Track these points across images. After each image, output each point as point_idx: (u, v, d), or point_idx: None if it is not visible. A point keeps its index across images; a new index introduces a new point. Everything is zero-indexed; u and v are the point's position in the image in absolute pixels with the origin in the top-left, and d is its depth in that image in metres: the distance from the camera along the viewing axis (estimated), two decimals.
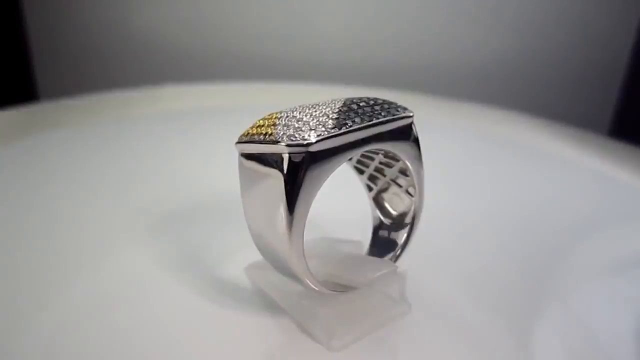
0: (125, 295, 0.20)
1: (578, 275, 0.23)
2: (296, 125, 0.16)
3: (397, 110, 0.18)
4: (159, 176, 0.28)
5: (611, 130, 0.49)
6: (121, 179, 0.28)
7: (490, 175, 0.31)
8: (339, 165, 0.16)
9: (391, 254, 0.20)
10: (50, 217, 0.25)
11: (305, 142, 0.15)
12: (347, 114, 0.16)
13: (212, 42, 0.47)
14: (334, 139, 0.15)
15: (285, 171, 0.15)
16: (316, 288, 0.17)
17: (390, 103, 0.18)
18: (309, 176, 0.15)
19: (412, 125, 0.18)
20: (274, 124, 0.16)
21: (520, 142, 0.35)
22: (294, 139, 0.15)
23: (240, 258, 0.21)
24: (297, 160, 0.15)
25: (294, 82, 0.46)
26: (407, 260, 0.21)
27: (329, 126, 0.15)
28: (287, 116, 0.16)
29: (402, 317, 0.20)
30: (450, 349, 0.19)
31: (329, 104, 0.17)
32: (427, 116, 0.37)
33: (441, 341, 0.20)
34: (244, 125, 0.18)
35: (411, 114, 0.18)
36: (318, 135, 0.15)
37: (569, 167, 0.32)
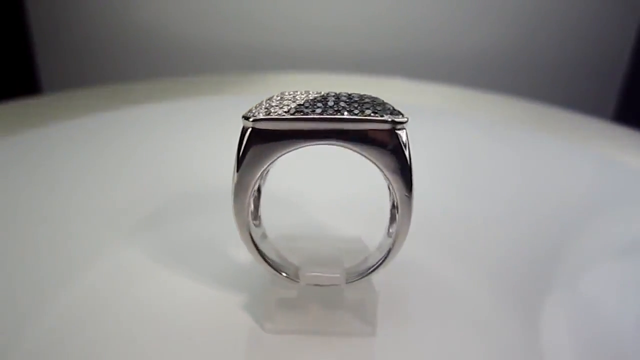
0: (122, 290, 0.21)
1: (586, 259, 0.23)
2: (267, 105, 0.17)
3: (381, 113, 0.16)
4: (160, 169, 0.28)
5: (615, 115, 0.49)
6: (123, 172, 0.28)
7: (496, 162, 0.31)
8: (292, 150, 0.17)
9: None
10: (52, 210, 0.25)
11: (252, 118, 0.16)
12: (315, 104, 0.17)
13: (215, 34, 0.47)
14: (281, 122, 0.16)
15: (239, 139, 0.17)
16: (249, 252, 0.18)
17: (383, 105, 0.17)
18: (253, 150, 0.17)
19: (394, 132, 0.17)
20: (261, 102, 0.17)
21: (524, 128, 0.35)
22: (250, 114, 0.16)
23: (238, 252, 0.21)
24: (247, 133, 0.17)
25: (298, 71, 0.46)
26: (414, 247, 0.21)
27: (285, 110, 0.16)
28: (276, 97, 0.17)
29: (361, 336, 0.19)
30: (459, 334, 0.19)
31: (311, 93, 0.17)
32: (430, 104, 0.37)
33: (449, 326, 0.20)
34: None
35: (400, 120, 0.16)
36: (267, 115, 0.16)
37: (574, 152, 0.32)
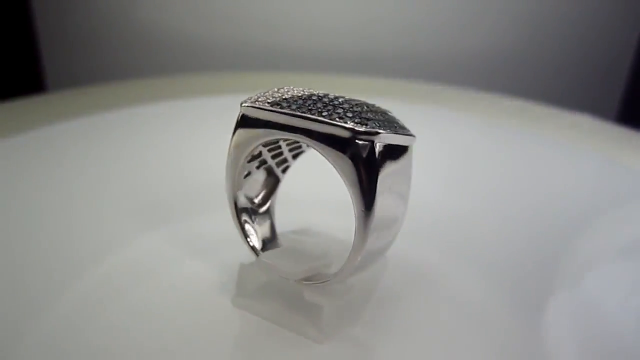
0: (130, 286, 0.21)
1: (589, 259, 0.23)
2: (263, 94, 0.18)
3: (351, 120, 0.16)
4: (167, 166, 0.29)
5: (618, 116, 0.49)
6: (129, 169, 0.28)
7: (498, 163, 0.31)
8: (270, 138, 0.17)
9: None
10: (58, 207, 0.25)
11: (244, 104, 0.18)
12: (297, 100, 0.17)
13: (221, 32, 0.47)
14: (260, 111, 0.17)
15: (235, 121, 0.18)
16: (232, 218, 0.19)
17: (363, 111, 0.16)
18: (239, 132, 0.18)
19: (354, 141, 0.16)
20: (264, 91, 0.18)
21: (528, 129, 0.35)
22: (244, 102, 0.18)
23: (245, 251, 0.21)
24: (238, 117, 0.18)
25: (301, 72, 0.46)
26: (420, 246, 0.21)
27: (269, 101, 0.17)
28: (275, 89, 0.18)
29: (309, 340, 0.19)
30: (461, 335, 0.19)
31: (305, 90, 0.18)
32: (434, 105, 0.37)
33: (451, 326, 0.20)
34: None
35: (364, 130, 0.16)
36: (253, 104, 0.17)
37: (578, 153, 0.32)
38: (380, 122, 0.16)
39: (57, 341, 0.18)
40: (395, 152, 0.17)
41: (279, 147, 0.20)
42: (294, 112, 0.16)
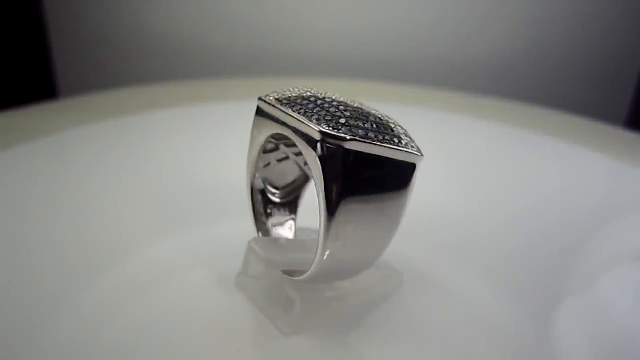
0: (148, 289, 0.21)
1: (600, 265, 0.23)
2: (280, 91, 0.19)
3: (329, 123, 0.16)
4: (180, 171, 0.29)
5: (627, 121, 0.49)
6: (142, 174, 0.28)
7: (510, 169, 0.31)
8: (274, 131, 0.18)
9: None
10: (71, 213, 0.25)
11: (260, 99, 0.18)
12: (299, 100, 0.18)
13: (231, 39, 0.48)
14: (266, 105, 0.18)
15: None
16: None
17: (353, 117, 0.17)
18: (255, 121, 0.19)
19: (323, 144, 0.16)
20: (283, 89, 0.19)
21: (538, 134, 0.35)
22: (263, 96, 0.18)
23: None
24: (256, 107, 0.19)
25: (305, 77, 0.46)
26: (429, 250, 0.21)
27: (278, 98, 0.18)
28: (293, 88, 0.19)
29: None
30: (472, 339, 0.19)
31: (314, 92, 0.18)
32: (442, 110, 0.37)
33: (463, 330, 0.20)
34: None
35: (336, 135, 0.16)
36: (265, 98, 0.18)
37: (588, 158, 0.32)
38: (368, 131, 0.16)
39: (73, 341, 0.18)
40: (377, 164, 0.16)
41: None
42: (284, 109, 0.17)
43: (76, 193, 0.26)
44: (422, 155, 0.18)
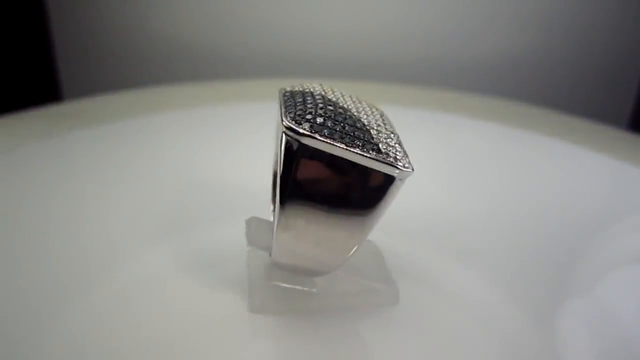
0: (145, 295, 0.21)
1: (602, 266, 0.23)
2: (303, 84, 0.19)
3: (294, 115, 0.16)
4: (179, 176, 0.29)
5: (630, 123, 0.49)
6: (143, 178, 0.28)
7: (512, 170, 0.31)
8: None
9: None
10: (72, 215, 0.25)
11: (280, 89, 0.19)
12: (299, 95, 0.18)
13: (235, 40, 0.48)
14: (278, 98, 0.18)
15: None
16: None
17: (327, 116, 0.16)
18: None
19: (285, 137, 0.16)
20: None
21: (539, 135, 0.35)
22: (289, 86, 0.19)
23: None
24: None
25: (308, 78, 0.46)
26: (429, 250, 0.21)
27: (288, 91, 0.18)
28: (302, 84, 0.19)
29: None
30: (474, 340, 0.19)
31: (316, 89, 0.18)
32: (443, 111, 0.37)
33: (464, 331, 0.20)
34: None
35: (296, 129, 0.16)
36: (283, 90, 0.19)
37: (590, 159, 0.32)
38: (336, 132, 0.16)
39: (72, 343, 0.18)
40: (337, 165, 0.16)
41: None
42: (280, 101, 0.17)
43: (79, 195, 0.26)
44: (403, 169, 0.16)
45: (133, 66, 0.50)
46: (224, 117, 0.34)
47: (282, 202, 0.16)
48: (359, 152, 0.16)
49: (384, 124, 0.18)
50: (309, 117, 0.16)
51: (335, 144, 0.16)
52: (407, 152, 0.17)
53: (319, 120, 0.16)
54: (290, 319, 0.20)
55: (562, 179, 0.30)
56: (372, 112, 0.18)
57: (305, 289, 0.20)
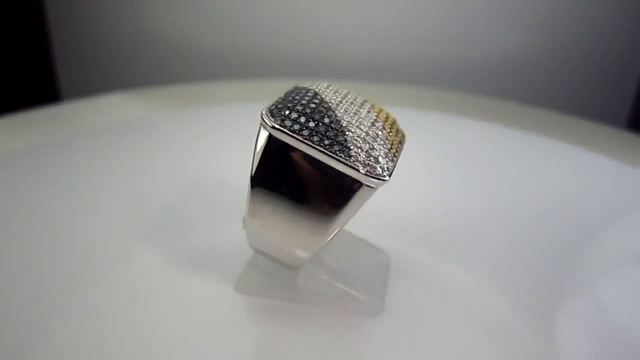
0: (142, 296, 0.21)
1: (600, 266, 0.23)
2: (313, 81, 0.19)
3: (272, 109, 0.17)
4: (176, 177, 0.29)
5: (629, 123, 0.49)
6: (142, 178, 0.28)
7: (510, 170, 0.31)
8: None
9: None
10: (71, 216, 0.25)
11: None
12: (290, 91, 0.18)
13: (233, 40, 0.48)
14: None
15: None
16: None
17: (312, 111, 0.17)
18: None
19: (260, 127, 0.16)
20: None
21: (537, 136, 0.35)
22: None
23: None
24: None
25: (306, 78, 0.46)
26: (425, 254, 0.21)
27: (292, 89, 0.18)
28: (305, 81, 0.19)
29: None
30: (472, 340, 0.19)
31: (313, 87, 0.18)
32: (442, 111, 0.37)
33: (463, 333, 0.20)
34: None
35: (266, 121, 0.16)
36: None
37: (588, 159, 0.32)
38: (306, 129, 0.16)
39: (72, 344, 0.18)
40: (303, 162, 0.16)
41: None
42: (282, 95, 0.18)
43: (78, 195, 0.26)
44: (371, 176, 0.16)
45: (131, 66, 0.50)
46: (223, 117, 0.34)
47: (252, 186, 0.17)
48: (323, 150, 0.16)
49: (377, 130, 0.17)
50: (286, 112, 0.17)
51: (301, 139, 0.16)
52: (397, 162, 0.17)
53: (294, 115, 0.16)
54: (285, 319, 0.20)
55: (560, 179, 0.30)
56: (365, 116, 0.18)
57: (289, 279, 0.20)
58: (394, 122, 0.19)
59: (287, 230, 0.17)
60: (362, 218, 0.22)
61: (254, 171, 0.17)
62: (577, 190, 0.29)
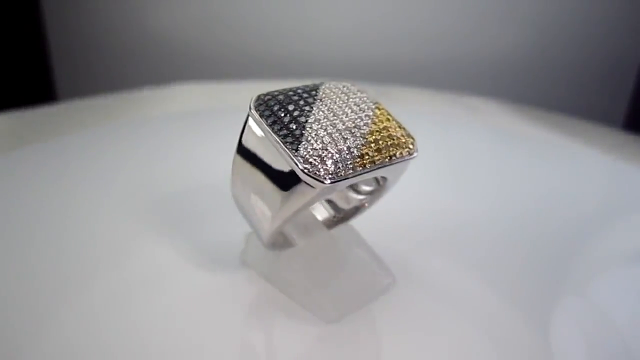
0: (144, 291, 0.21)
1: (597, 266, 0.23)
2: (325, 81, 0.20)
3: (262, 96, 0.18)
4: (175, 175, 0.29)
5: (625, 123, 0.49)
6: (138, 178, 0.28)
7: (506, 170, 0.31)
8: None
9: None
10: (68, 216, 0.25)
11: None
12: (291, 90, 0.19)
13: (231, 41, 0.48)
14: None
15: None
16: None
17: (285, 103, 0.18)
18: None
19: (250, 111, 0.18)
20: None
21: (535, 136, 0.35)
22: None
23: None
24: None
25: (305, 79, 0.46)
26: (423, 254, 0.21)
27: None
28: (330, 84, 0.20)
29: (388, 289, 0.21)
30: (468, 340, 0.19)
31: (311, 85, 0.19)
32: (439, 111, 0.37)
33: (460, 333, 0.20)
34: None
35: (251, 109, 0.18)
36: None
37: (585, 159, 0.33)
38: (273, 116, 0.18)
39: (71, 345, 0.18)
40: (263, 144, 0.18)
41: None
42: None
43: (77, 195, 0.26)
44: (312, 177, 0.17)
45: (128, 66, 0.49)
46: (223, 117, 0.34)
47: (236, 150, 0.19)
48: (276, 138, 0.17)
49: (352, 137, 0.17)
50: (271, 103, 0.18)
51: (264, 125, 0.18)
52: (359, 176, 0.17)
53: (272, 103, 0.18)
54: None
55: (556, 178, 0.30)
56: (348, 121, 0.18)
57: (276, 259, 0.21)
58: (388, 140, 0.18)
59: (257, 193, 0.19)
60: (362, 218, 0.22)
61: (238, 140, 0.19)
62: (574, 191, 0.29)
